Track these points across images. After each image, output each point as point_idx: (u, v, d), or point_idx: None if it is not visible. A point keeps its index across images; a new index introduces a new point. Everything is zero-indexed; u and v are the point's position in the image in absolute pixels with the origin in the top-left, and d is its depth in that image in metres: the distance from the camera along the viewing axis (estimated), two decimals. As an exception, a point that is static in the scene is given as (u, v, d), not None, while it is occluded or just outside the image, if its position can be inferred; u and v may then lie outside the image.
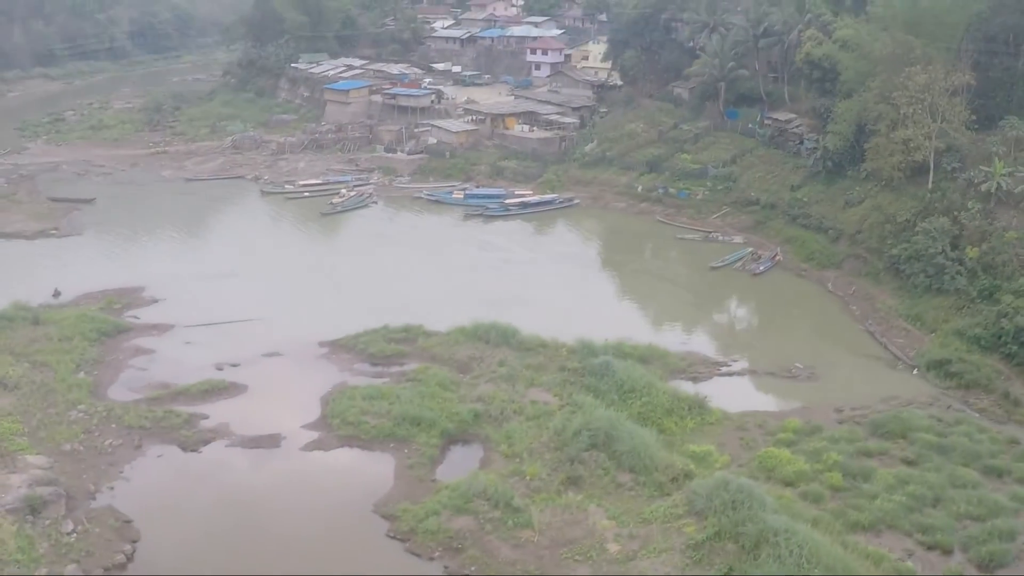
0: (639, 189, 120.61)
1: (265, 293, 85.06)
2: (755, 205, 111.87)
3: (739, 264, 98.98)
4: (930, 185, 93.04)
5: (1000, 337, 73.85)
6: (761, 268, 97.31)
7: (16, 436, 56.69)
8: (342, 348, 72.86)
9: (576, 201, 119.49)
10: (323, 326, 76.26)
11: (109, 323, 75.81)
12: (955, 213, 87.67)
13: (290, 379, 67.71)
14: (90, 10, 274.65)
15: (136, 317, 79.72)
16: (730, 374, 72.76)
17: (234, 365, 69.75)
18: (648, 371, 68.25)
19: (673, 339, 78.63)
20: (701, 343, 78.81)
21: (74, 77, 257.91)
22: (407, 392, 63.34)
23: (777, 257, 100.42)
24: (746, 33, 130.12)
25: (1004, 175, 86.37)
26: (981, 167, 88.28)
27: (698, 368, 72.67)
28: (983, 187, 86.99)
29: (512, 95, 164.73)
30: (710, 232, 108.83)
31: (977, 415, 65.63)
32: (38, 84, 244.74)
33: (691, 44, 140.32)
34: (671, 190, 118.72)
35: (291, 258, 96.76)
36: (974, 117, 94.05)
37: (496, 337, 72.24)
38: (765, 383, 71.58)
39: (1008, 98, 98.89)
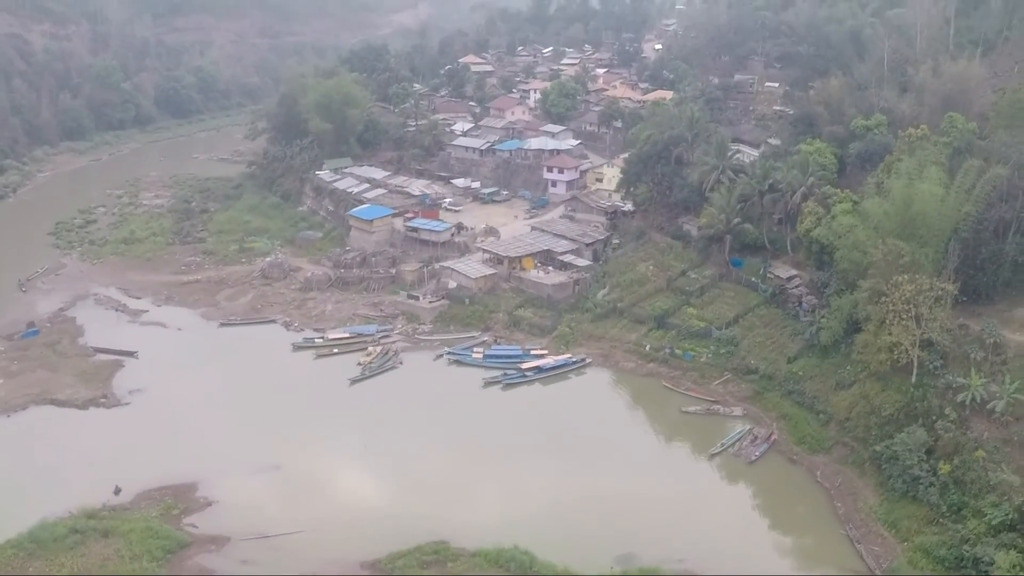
0: (647, 348, 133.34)
1: (307, 494, 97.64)
2: (754, 374, 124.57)
3: (736, 448, 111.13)
4: (913, 379, 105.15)
5: (961, 561, 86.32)
6: (757, 454, 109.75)
7: None
8: (382, 573, 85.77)
9: (588, 361, 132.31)
10: (361, 539, 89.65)
11: (172, 539, 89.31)
12: (933, 418, 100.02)
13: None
14: (116, 80, 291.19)
15: (194, 526, 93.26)
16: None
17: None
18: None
19: (669, 553, 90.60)
20: (695, 558, 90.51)
21: (101, 150, 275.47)
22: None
23: (773, 437, 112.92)
24: (752, 188, 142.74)
25: (979, 386, 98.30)
26: (958, 378, 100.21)
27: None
28: (959, 397, 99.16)
29: (529, 215, 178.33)
30: (712, 402, 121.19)
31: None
32: (66, 160, 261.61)
33: (701, 185, 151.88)
34: (677, 351, 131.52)
35: (326, 446, 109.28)
36: (964, 299, 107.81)
37: (516, 567, 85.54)
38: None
39: (995, 276, 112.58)
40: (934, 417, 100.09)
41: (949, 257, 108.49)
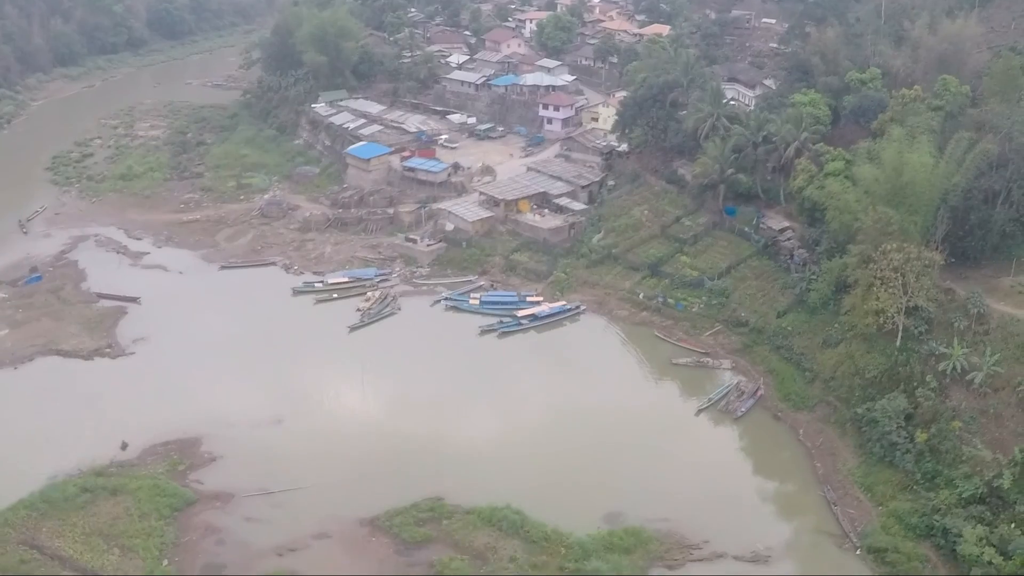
0: (640, 296, 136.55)
1: (308, 449, 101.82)
2: (744, 327, 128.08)
3: (723, 403, 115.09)
4: (898, 343, 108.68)
5: (931, 530, 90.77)
6: (743, 410, 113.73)
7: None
8: (380, 530, 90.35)
9: (582, 308, 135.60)
10: (361, 495, 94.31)
11: (179, 496, 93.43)
12: (915, 384, 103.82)
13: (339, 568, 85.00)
14: (107, 3, 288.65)
15: (200, 482, 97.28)
16: (701, 559, 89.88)
17: (292, 550, 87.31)
18: (632, 562, 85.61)
19: (655, 512, 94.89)
20: (679, 517, 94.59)
21: (94, 75, 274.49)
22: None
23: (759, 392, 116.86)
24: (746, 139, 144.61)
25: (961, 356, 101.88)
26: (941, 347, 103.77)
27: (674, 554, 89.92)
28: (941, 366, 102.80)
29: (525, 153, 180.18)
30: (703, 354, 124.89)
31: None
32: (59, 87, 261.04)
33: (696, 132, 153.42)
34: (669, 300, 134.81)
35: (327, 399, 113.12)
36: (952, 261, 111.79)
37: (508, 526, 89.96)
38: (731, 568, 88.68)
39: (984, 241, 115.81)
40: (915, 383, 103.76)
41: (938, 225, 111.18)
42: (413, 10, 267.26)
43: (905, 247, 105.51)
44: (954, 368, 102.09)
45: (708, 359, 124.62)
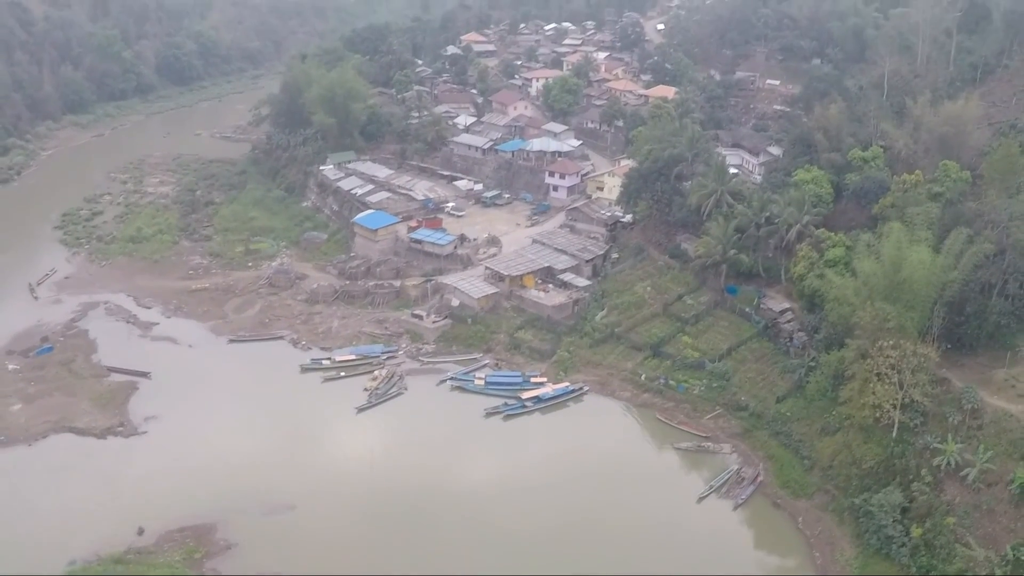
0: (643, 377, 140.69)
1: (321, 537, 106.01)
2: (744, 411, 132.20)
3: (724, 489, 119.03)
4: (894, 434, 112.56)
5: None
6: (743, 497, 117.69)
7: None
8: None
9: (586, 389, 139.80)
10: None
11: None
12: (910, 478, 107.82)
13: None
14: (117, 49, 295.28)
15: (216, 571, 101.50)
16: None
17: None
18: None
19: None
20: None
21: (103, 123, 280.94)
22: None
23: (759, 478, 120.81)
24: (748, 220, 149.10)
25: (955, 452, 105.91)
26: (936, 442, 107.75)
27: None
28: (935, 461, 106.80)
29: (530, 222, 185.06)
30: (704, 438, 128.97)
31: None
32: (69, 135, 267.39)
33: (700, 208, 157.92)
34: (671, 382, 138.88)
35: (338, 484, 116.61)
36: (948, 346, 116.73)
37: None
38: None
39: (979, 329, 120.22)
40: (911, 476, 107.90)
41: (934, 320, 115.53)
42: (420, 61, 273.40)
43: (902, 344, 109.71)
44: (948, 463, 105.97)
45: (709, 443, 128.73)
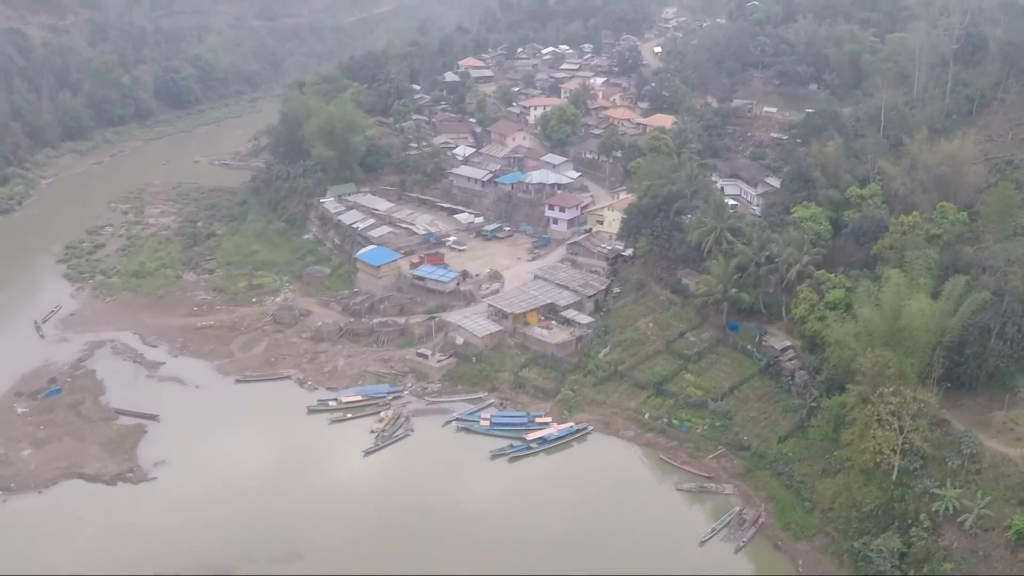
0: (646, 416, 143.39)
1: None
2: (746, 451, 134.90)
3: (725, 532, 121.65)
4: (894, 478, 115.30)
5: None
6: (744, 540, 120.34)
7: None
8: None
9: (590, 429, 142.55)
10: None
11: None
12: (909, 522, 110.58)
13: None
14: (115, 75, 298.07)
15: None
16: None
17: None
18: None
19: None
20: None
21: (102, 150, 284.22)
22: None
23: (760, 520, 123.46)
24: (748, 259, 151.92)
25: (953, 498, 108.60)
26: (934, 488, 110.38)
27: None
28: (934, 506, 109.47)
29: (531, 256, 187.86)
30: (706, 479, 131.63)
31: None
32: (69, 163, 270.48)
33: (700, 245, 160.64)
34: (674, 421, 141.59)
35: (345, 530, 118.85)
36: (948, 385, 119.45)
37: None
38: None
39: (979, 370, 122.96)
40: (909, 521, 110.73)
41: (934, 365, 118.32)
42: (418, 87, 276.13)
43: (902, 390, 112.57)
44: (947, 509, 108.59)
45: (711, 484, 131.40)
